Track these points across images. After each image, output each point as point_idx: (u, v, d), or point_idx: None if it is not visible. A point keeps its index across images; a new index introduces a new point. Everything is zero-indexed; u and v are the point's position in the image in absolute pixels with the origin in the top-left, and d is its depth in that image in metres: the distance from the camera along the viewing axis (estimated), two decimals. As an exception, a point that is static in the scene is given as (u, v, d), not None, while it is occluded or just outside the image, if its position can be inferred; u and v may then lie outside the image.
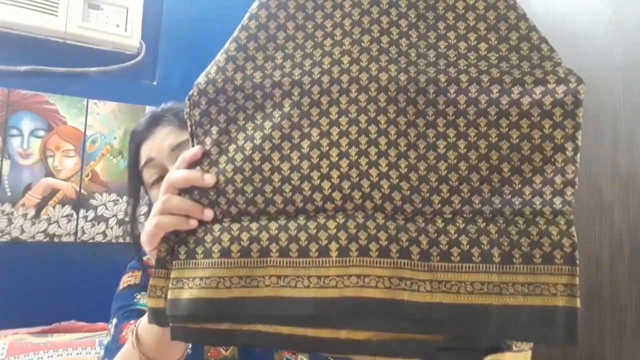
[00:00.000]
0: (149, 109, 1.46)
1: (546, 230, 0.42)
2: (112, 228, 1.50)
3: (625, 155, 1.13)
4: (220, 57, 0.49)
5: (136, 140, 0.75)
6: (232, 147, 0.47)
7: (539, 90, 0.43)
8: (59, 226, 1.44)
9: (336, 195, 0.45)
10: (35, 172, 1.43)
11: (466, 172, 0.44)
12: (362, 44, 0.47)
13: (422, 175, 0.44)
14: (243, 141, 0.47)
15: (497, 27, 0.46)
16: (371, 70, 0.45)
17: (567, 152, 0.42)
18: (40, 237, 1.42)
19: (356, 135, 0.45)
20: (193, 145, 0.49)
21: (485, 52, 0.45)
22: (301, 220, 0.45)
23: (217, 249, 0.46)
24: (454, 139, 0.44)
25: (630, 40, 1.14)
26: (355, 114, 0.45)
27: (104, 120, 1.50)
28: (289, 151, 0.46)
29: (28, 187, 1.42)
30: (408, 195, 0.44)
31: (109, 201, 1.50)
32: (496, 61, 0.45)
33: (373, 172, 0.44)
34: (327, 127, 0.46)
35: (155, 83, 1.57)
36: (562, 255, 0.41)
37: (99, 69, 1.50)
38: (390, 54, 0.46)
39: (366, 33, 0.47)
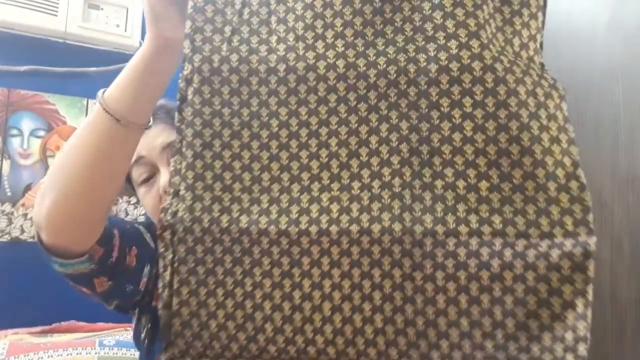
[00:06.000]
0: (149, 109, 1.46)
1: None
2: (112, 228, 1.50)
3: (625, 155, 1.13)
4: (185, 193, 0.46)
5: None
6: (220, 291, 0.44)
7: (545, 243, 0.40)
8: (59, 226, 1.44)
9: (330, 349, 0.43)
10: (35, 172, 1.43)
11: (468, 327, 0.41)
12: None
13: (421, 330, 0.42)
14: (232, 286, 0.44)
15: (499, 162, 0.42)
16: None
17: (577, 309, 0.40)
18: (40, 237, 1.42)
19: (349, 289, 0.43)
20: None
21: (487, 192, 0.41)
22: None
23: None
24: (455, 293, 0.41)
25: (630, 40, 1.14)
26: (350, 290, 0.43)
27: (104, 120, 1.50)
28: (280, 300, 0.44)
29: (28, 187, 1.42)
30: (405, 350, 0.42)
31: (109, 201, 1.50)
32: (499, 204, 0.41)
33: (368, 328, 0.42)
34: (318, 290, 0.43)
35: (155, 83, 1.57)
36: None
37: (99, 69, 1.50)
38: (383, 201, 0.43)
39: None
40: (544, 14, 0.46)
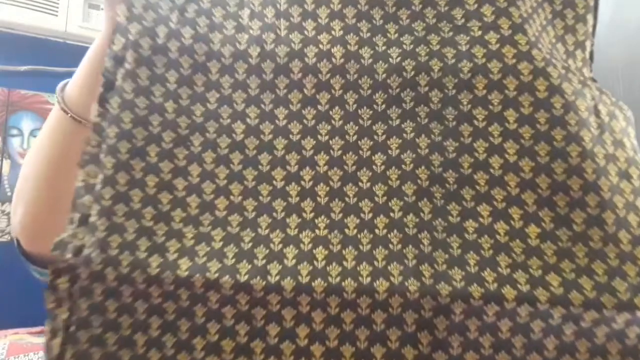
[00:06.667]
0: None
1: None
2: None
3: (625, 155, 1.13)
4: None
5: None
6: None
7: (622, 318, 0.28)
8: (59, 226, 1.44)
9: None
10: (35, 172, 1.43)
11: None
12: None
13: None
14: None
15: (553, 200, 0.31)
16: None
17: None
18: (40, 237, 1.42)
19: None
20: None
21: (537, 240, 0.30)
22: None
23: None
24: None
25: (630, 40, 1.14)
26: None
27: (104, 120, 1.50)
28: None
29: (28, 187, 1.42)
30: None
31: (109, 201, 1.51)
32: (554, 258, 0.30)
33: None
34: None
35: (155, 83, 1.57)
36: None
37: (99, 69, 1.51)
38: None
39: None
40: (595, 17, 0.36)
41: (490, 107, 0.32)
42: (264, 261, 0.30)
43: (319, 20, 0.34)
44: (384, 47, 0.33)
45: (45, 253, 0.53)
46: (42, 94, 1.45)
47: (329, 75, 0.33)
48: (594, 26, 0.37)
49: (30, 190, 0.49)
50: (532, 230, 0.30)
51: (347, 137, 0.32)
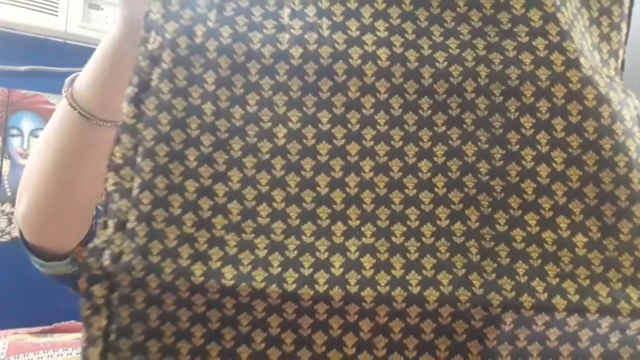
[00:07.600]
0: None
1: None
2: (112, 228, 1.50)
3: (626, 155, 1.13)
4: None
5: None
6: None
7: None
8: (59, 226, 1.44)
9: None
10: (35, 172, 1.43)
11: None
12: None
13: None
14: None
15: (600, 209, 0.32)
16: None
17: None
18: (40, 237, 1.42)
19: None
20: None
21: (584, 250, 0.31)
22: None
23: None
24: None
25: (631, 41, 1.14)
26: None
27: (104, 120, 1.50)
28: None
29: (28, 187, 1.42)
30: None
31: (109, 201, 1.51)
32: (601, 268, 0.30)
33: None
34: None
35: (155, 83, 1.57)
36: None
37: (99, 69, 1.51)
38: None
39: None
40: (628, 25, 0.37)
41: (538, 114, 0.32)
42: (311, 270, 0.29)
43: (363, 19, 0.32)
44: (429, 51, 0.32)
45: (46, 246, 0.53)
46: (42, 94, 1.45)
47: (374, 78, 0.32)
48: (627, 34, 0.37)
49: (36, 185, 0.49)
50: (580, 239, 0.30)
51: (392, 142, 0.32)
